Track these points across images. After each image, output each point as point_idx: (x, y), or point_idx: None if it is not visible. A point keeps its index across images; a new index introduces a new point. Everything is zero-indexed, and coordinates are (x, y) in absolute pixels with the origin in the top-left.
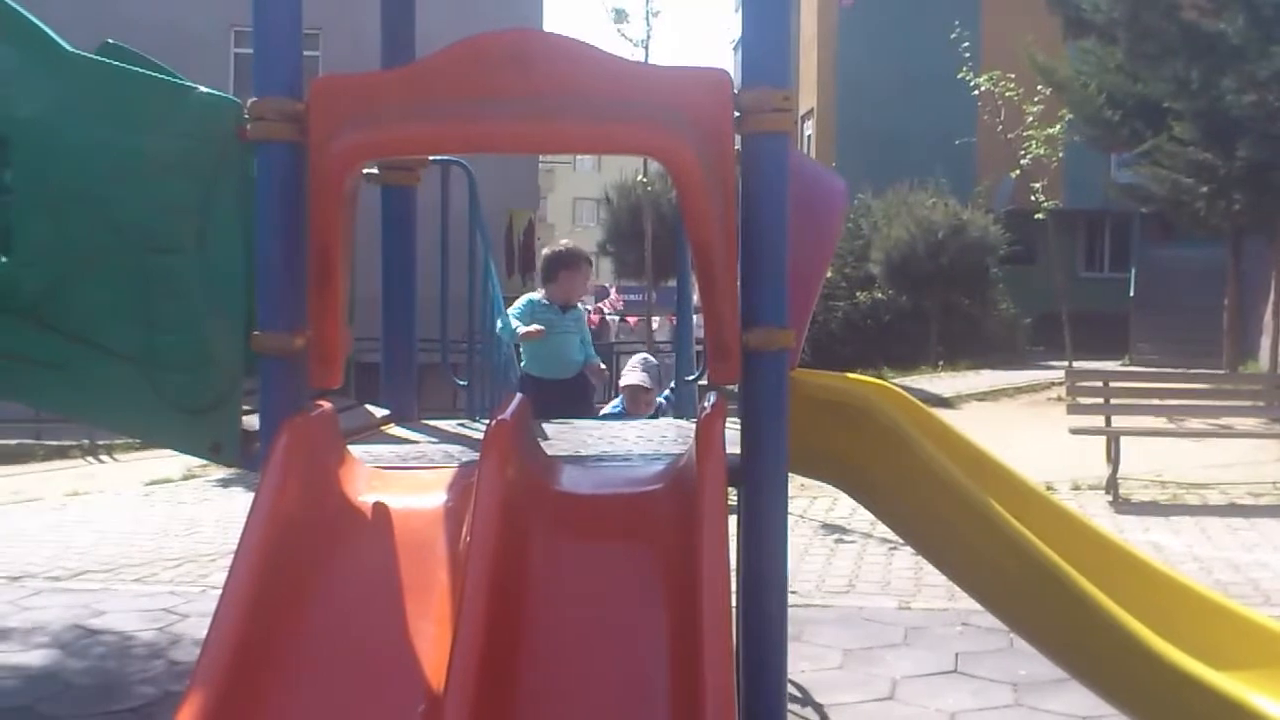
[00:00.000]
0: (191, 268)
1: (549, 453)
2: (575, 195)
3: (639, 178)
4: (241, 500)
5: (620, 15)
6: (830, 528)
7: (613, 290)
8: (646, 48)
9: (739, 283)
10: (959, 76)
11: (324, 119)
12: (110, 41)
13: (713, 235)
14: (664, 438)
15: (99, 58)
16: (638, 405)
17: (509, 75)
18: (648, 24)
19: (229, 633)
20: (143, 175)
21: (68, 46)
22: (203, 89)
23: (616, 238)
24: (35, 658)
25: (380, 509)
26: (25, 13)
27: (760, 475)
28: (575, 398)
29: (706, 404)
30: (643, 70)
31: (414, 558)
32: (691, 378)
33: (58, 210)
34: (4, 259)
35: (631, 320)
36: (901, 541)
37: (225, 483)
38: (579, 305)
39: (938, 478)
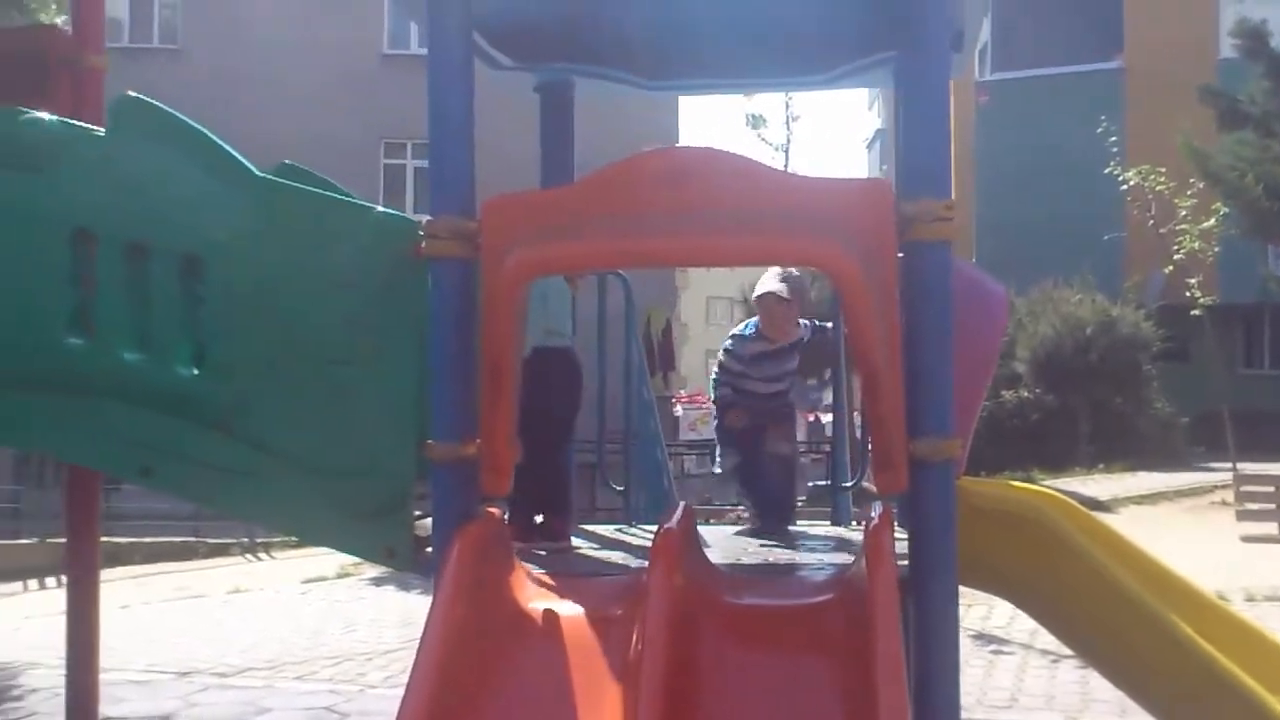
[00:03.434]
0: (367, 379)
1: (712, 560)
2: (709, 294)
3: None
4: (394, 599)
5: (758, 121)
6: (986, 638)
7: None
8: (786, 152)
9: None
10: (1106, 171)
11: (496, 236)
12: (287, 162)
13: (876, 344)
14: (826, 546)
15: (283, 180)
16: (774, 323)
17: (664, 192)
18: (787, 128)
19: None
20: (324, 291)
21: (256, 170)
22: (380, 209)
23: None
24: None
25: (549, 616)
26: (218, 140)
27: (930, 586)
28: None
29: (874, 514)
30: (801, 182)
31: (584, 666)
32: (849, 484)
33: (246, 325)
34: (197, 371)
35: None
36: (1065, 653)
37: (378, 581)
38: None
39: (1111, 588)
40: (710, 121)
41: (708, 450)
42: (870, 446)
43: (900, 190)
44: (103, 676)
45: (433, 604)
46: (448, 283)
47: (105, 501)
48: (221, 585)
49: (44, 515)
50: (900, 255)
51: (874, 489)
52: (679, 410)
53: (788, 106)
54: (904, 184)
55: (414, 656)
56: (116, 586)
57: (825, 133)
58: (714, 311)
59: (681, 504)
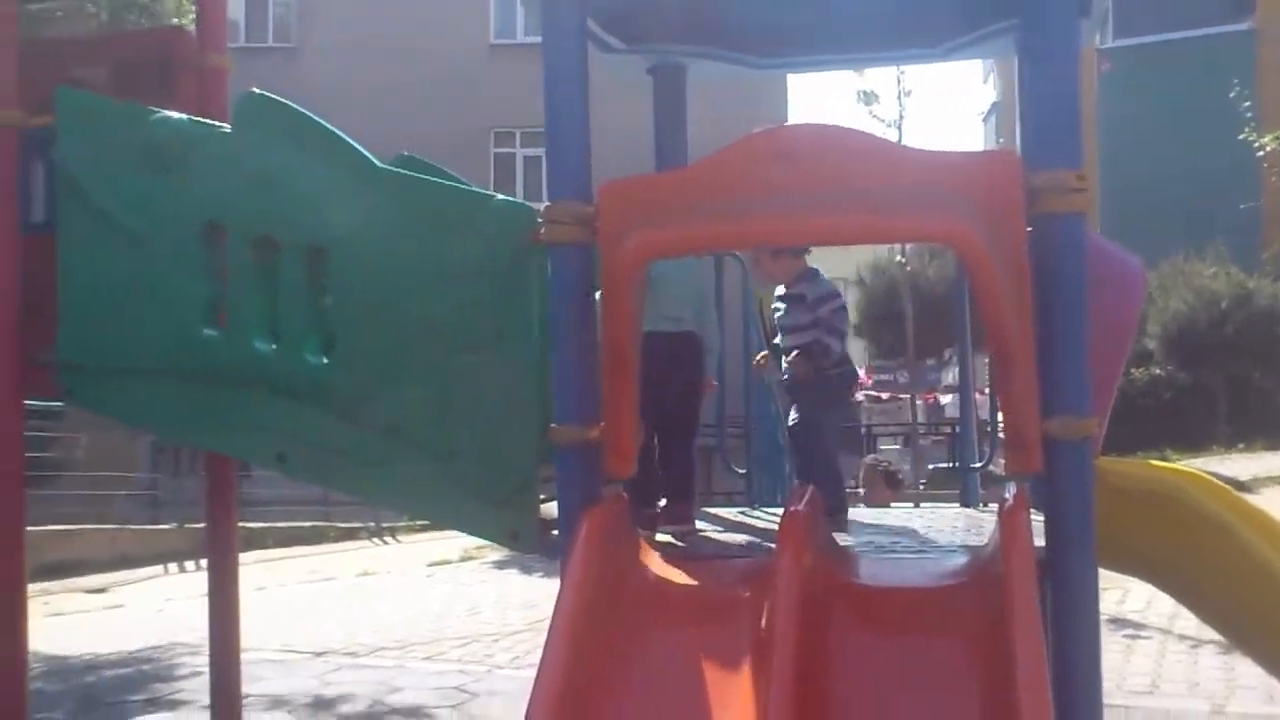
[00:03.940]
0: (491, 365)
1: (840, 543)
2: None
3: (896, 258)
4: (516, 582)
5: (870, 97)
6: (1122, 622)
7: (863, 370)
8: (899, 128)
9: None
10: (1241, 137)
11: (613, 220)
12: (406, 153)
13: (1007, 321)
14: (954, 528)
15: (405, 171)
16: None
17: (787, 170)
18: (900, 104)
19: None
20: (446, 279)
21: (377, 162)
22: (500, 197)
23: (871, 317)
24: None
25: (676, 598)
26: (339, 133)
27: (1068, 568)
28: None
29: (1008, 495)
30: (923, 156)
31: (712, 648)
32: (978, 465)
33: (371, 315)
34: (325, 360)
35: (884, 396)
36: (1207, 638)
37: (500, 565)
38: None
39: (1260, 568)
40: (820, 100)
41: None
42: (999, 426)
43: (1028, 161)
44: (242, 656)
45: (561, 586)
46: (567, 267)
47: (240, 487)
48: (351, 568)
49: (181, 502)
50: (1029, 229)
51: (1002, 470)
52: None
53: (900, 81)
54: (1031, 155)
55: (542, 638)
56: (251, 570)
57: (939, 107)
58: None
59: (810, 487)
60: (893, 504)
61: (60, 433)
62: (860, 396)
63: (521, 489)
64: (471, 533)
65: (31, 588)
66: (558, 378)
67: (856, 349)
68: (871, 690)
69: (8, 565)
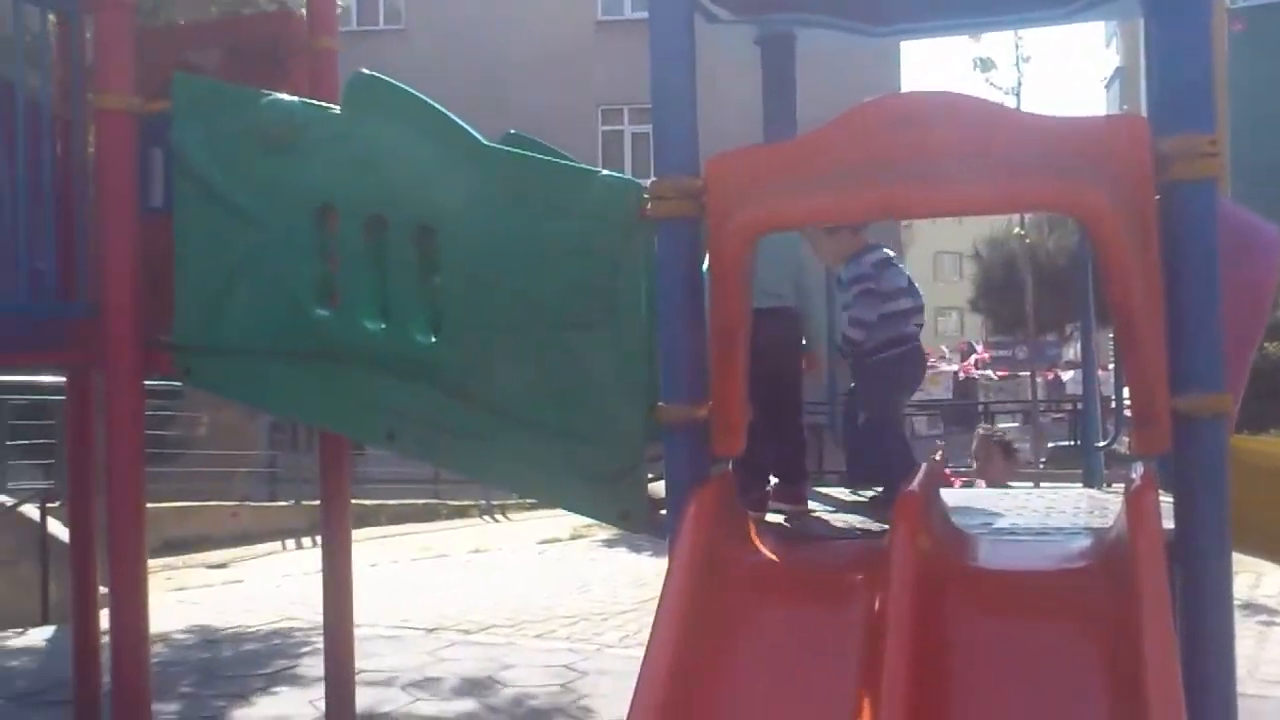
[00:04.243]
0: (601, 343)
1: (956, 525)
2: (937, 249)
3: (1014, 230)
4: (626, 559)
5: (987, 64)
6: (1255, 607)
7: (979, 346)
8: (1018, 95)
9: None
10: None
11: (722, 194)
12: (513, 131)
13: (1135, 294)
14: (1077, 509)
15: (511, 149)
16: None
17: (905, 139)
18: (1018, 70)
19: (650, 705)
20: (554, 256)
21: (484, 141)
22: (605, 173)
23: (988, 292)
24: (454, 708)
25: (787, 579)
26: (447, 112)
27: (1200, 552)
28: None
29: (1134, 475)
30: (1046, 122)
31: (823, 631)
32: (1102, 444)
33: (479, 292)
34: (434, 339)
35: (1000, 374)
36: None
37: (610, 543)
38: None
39: None
40: (934, 68)
41: (938, 410)
42: (1125, 403)
43: (1156, 126)
44: (355, 631)
45: (669, 566)
46: (674, 243)
47: (353, 465)
48: (462, 545)
49: (298, 479)
50: (1157, 197)
51: (1127, 450)
52: None
53: (1018, 47)
54: (1160, 119)
55: (650, 617)
56: (365, 546)
57: (1058, 74)
58: (942, 266)
59: (924, 465)
60: (1010, 481)
61: (182, 411)
62: (976, 374)
63: (630, 468)
64: (580, 512)
65: (155, 563)
66: (665, 355)
67: (973, 324)
68: (990, 678)
69: (130, 541)
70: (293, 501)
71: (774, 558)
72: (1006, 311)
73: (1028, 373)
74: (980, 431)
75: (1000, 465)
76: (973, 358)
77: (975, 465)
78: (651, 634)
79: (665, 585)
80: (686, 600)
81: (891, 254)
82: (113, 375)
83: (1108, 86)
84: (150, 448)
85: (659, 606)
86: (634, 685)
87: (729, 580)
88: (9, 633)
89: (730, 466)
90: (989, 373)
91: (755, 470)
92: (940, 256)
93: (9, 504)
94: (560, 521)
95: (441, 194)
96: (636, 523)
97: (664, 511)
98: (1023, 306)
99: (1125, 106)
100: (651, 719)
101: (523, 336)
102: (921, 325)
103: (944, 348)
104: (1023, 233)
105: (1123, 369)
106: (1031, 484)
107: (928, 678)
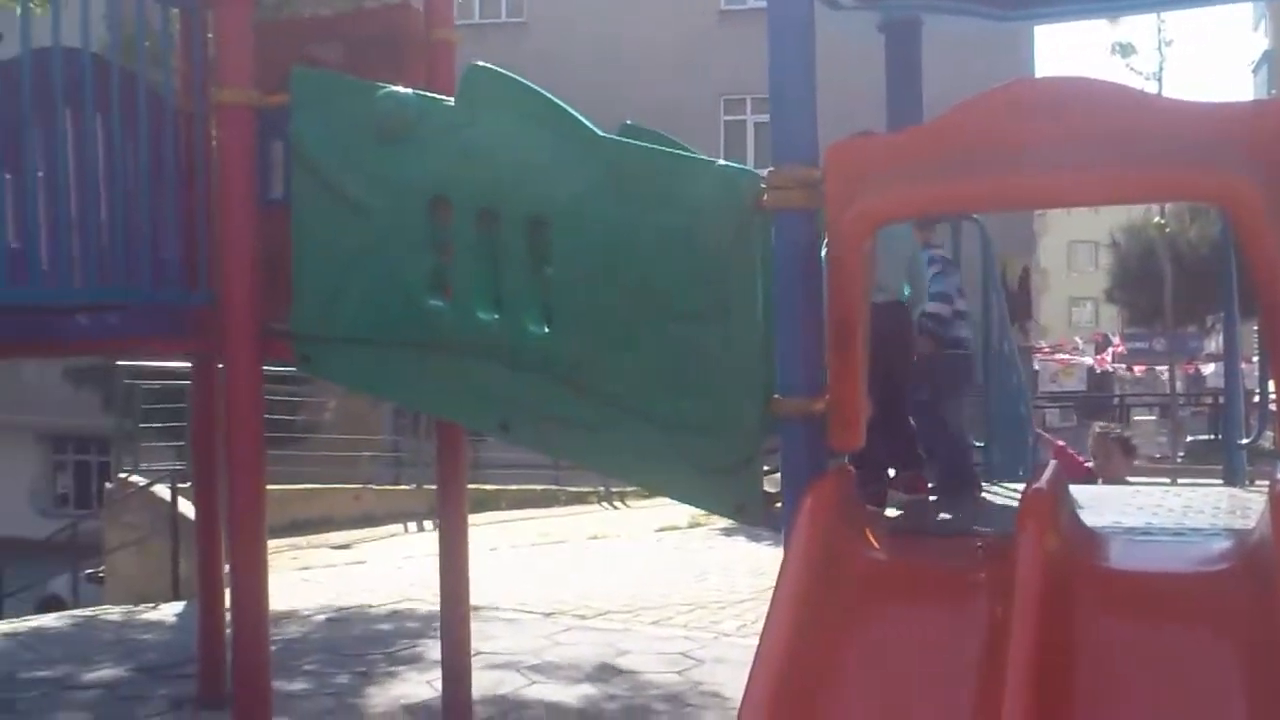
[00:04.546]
0: (715, 335)
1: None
2: (1071, 239)
3: (1154, 219)
4: (745, 548)
5: (1127, 49)
6: None
7: (1115, 338)
8: (1160, 80)
9: None
10: None
11: (842, 183)
12: (629, 122)
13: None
14: (1217, 508)
15: (626, 140)
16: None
17: (1034, 125)
18: (1160, 54)
19: (762, 711)
20: (668, 248)
21: (599, 131)
22: (721, 162)
23: (1125, 283)
24: (569, 692)
25: (905, 576)
26: (561, 104)
27: None
28: None
29: (1279, 474)
30: (1188, 108)
31: (942, 631)
32: (1245, 441)
33: (593, 283)
34: (547, 329)
35: (1138, 369)
36: None
37: (728, 531)
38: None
39: None
40: (1070, 55)
41: (1071, 403)
42: (1270, 398)
43: None
44: (474, 614)
45: (784, 562)
46: (792, 234)
47: (474, 451)
48: (581, 532)
49: (420, 463)
50: None
51: (1272, 445)
52: (1037, 363)
53: (1160, 30)
54: None
55: (766, 610)
56: (485, 531)
57: (1202, 59)
58: (1077, 256)
59: (1053, 463)
60: (1129, 476)
61: (309, 397)
62: (1111, 367)
63: (746, 461)
64: (694, 504)
65: (280, 542)
66: (782, 348)
67: (1107, 315)
68: (1118, 684)
69: (250, 522)
70: (414, 485)
71: (893, 554)
72: (1144, 302)
73: (1165, 366)
74: (1097, 429)
75: (1120, 463)
76: (1109, 350)
77: (1095, 463)
78: (764, 630)
79: (780, 581)
80: (801, 596)
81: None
82: (231, 363)
83: (1255, 71)
84: (278, 431)
85: (773, 602)
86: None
87: (845, 577)
88: (142, 607)
89: (848, 461)
90: (1124, 367)
91: (873, 465)
92: (1075, 246)
93: (142, 484)
94: (678, 509)
95: (555, 186)
96: (752, 516)
97: (779, 505)
98: (1161, 297)
99: (1274, 91)
100: (764, 715)
101: (636, 328)
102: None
103: (1078, 339)
104: (1163, 221)
105: (1268, 363)
106: (1168, 480)
107: (1054, 683)
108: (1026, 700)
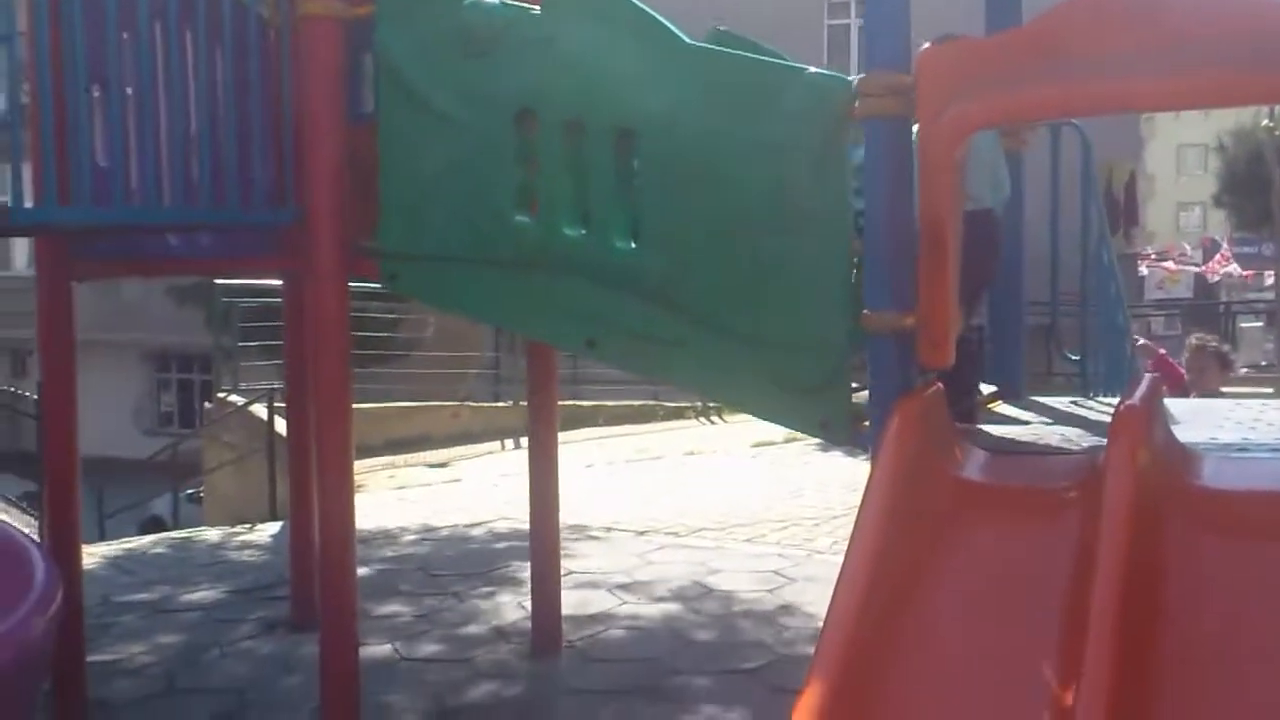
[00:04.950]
0: (803, 249)
1: (1180, 438)
2: (1179, 142)
3: (1263, 122)
4: (841, 464)
5: None
6: None
7: (1225, 242)
8: None
9: None
10: None
11: (933, 91)
12: (720, 28)
13: None
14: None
15: (714, 47)
16: None
17: (1140, 26)
18: None
19: (845, 629)
20: (757, 159)
21: (686, 39)
22: (812, 69)
23: (1233, 187)
24: (658, 611)
25: (995, 494)
26: (649, 10)
27: None
28: None
29: None
30: None
31: (1031, 550)
32: None
33: (681, 197)
34: (634, 244)
35: (1247, 273)
36: None
37: (824, 447)
38: None
39: None
40: None
41: (1177, 310)
42: None
43: None
44: (567, 533)
45: (869, 482)
46: (883, 143)
47: (573, 366)
48: (677, 448)
49: (519, 380)
50: None
51: None
52: (1144, 269)
53: None
54: None
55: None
56: (582, 447)
57: None
58: (1185, 160)
59: (1147, 376)
60: (1224, 389)
61: (410, 314)
62: (1218, 275)
63: (832, 378)
64: (780, 422)
65: (377, 461)
66: (870, 262)
67: (1215, 220)
68: (1211, 603)
69: (336, 442)
70: (512, 403)
71: (982, 473)
72: (1252, 207)
73: (1273, 271)
74: (1194, 340)
75: (1216, 376)
76: (1217, 255)
77: (1189, 377)
78: (848, 552)
79: (864, 502)
80: (886, 517)
81: None
82: (317, 280)
83: None
84: (378, 349)
85: (856, 524)
86: None
87: (932, 496)
88: (239, 528)
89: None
90: (1233, 269)
91: (962, 380)
92: (1184, 150)
93: (241, 403)
94: (775, 425)
95: (641, 96)
96: (838, 434)
97: (867, 424)
98: (1269, 202)
99: None
100: (846, 633)
101: (724, 241)
102: None
103: (1185, 244)
104: (1272, 124)
105: None
106: (1271, 390)
107: (1142, 603)
108: (1114, 619)
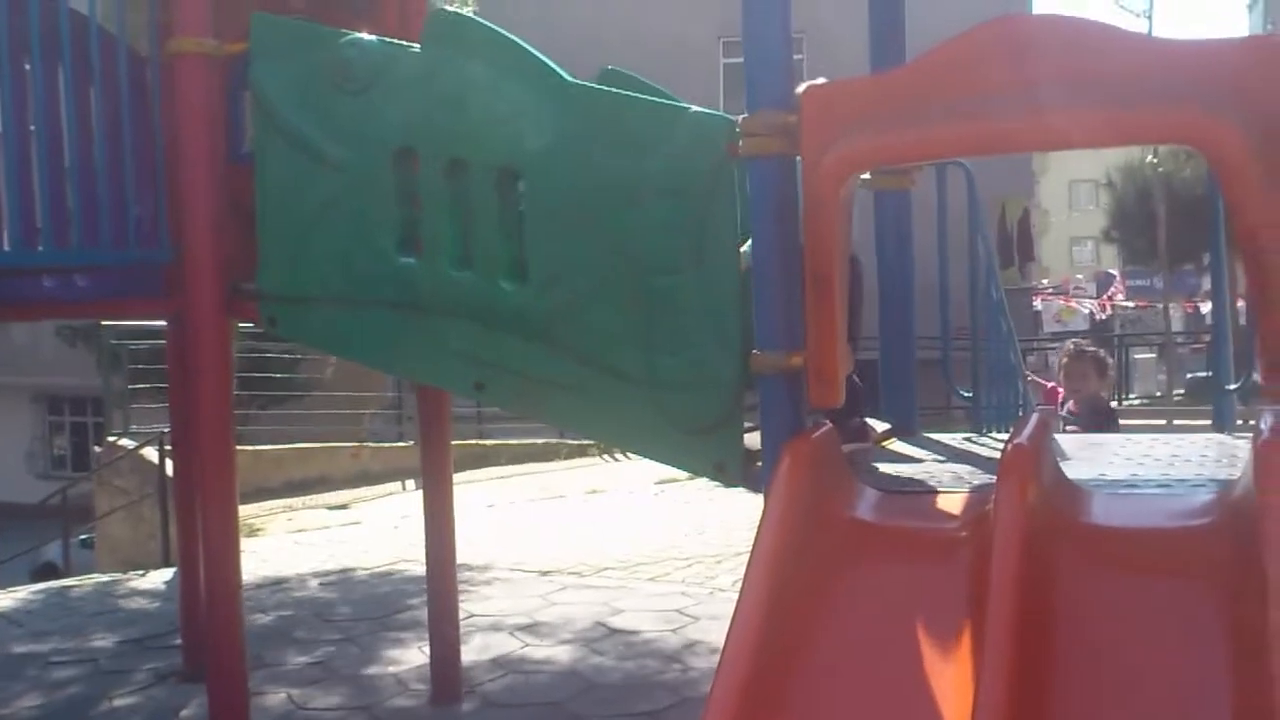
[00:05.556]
0: (690, 288)
1: (1070, 475)
2: (1071, 178)
3: (1148, 158)
4: (744, 500)
5: None
6: None
7: (1118, 276)
8: (1150, 19)
9: None
10: None
11: (817, 130)
12: (610, 68)
13: (1261, 229)
14: (1204, 457)
15: (596, 86)
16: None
17: (1011, 68)
18: None
19: (738, 672)
20: (642, 198)
21: (569, 78)
22: (695, 109)
23: (1122, 222)
24: (563, 653)
25: (886, 534)
26: (531, 50)
27: None
28: None
29: (1263, 425)
30: (1173, 47)
31: (924, 589)
32: (1234, 386)
33: (566, 237)
34: (521, 285)
35: (1138, 304)
36: None
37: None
38: None
39: None
40: None
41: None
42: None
43: None
44: (469, 574)
45: (761, 523)
46: (768, 182)
47: (477, 406)
48: (581, 486)
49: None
50: None
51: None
52: (1038, 304)
53: None
54: None
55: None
56: (485, 487)
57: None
58: (1077, 195)
59: (1035, 415)
60: (1103, 392)
61: (310, 353)
62: (1110, 310)
63: (725, 419)
64: (673, 464)
65: (276, 504)
66: (759, 301)
67: (1108, 254)
68: (1100, 641)
69: (219, 488)
70: (414, 442)
71: (873, 513)
72: (1142, 242)
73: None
74: (1069, 346)
75: (1095, 381)
76: (1109, 289)
77: (1068, 385)
78: (740, 594)
79: (756, 543)
80: (778, 560)
81: None
82: (195, 325)
83: (1250, 7)
84: (277, 389)
85: (749, 565)
86: None
87: (825, 537)
88: (133, 575)
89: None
90: (1124, 301)
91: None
92: (1076, 185)
93: (132, 446)
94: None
95: (525, 135)
96: (732, 475)
97: (760, 464)
98: (1157, 237)
99: (1271, 26)
100: (740, 674)
101: (609, 282)
102: None
103: (1079, 276)
104: (1156, 161)
105: (1250, 303)
106: (1164, 421)
107: (1034, 641)
108: (1006, 658)
